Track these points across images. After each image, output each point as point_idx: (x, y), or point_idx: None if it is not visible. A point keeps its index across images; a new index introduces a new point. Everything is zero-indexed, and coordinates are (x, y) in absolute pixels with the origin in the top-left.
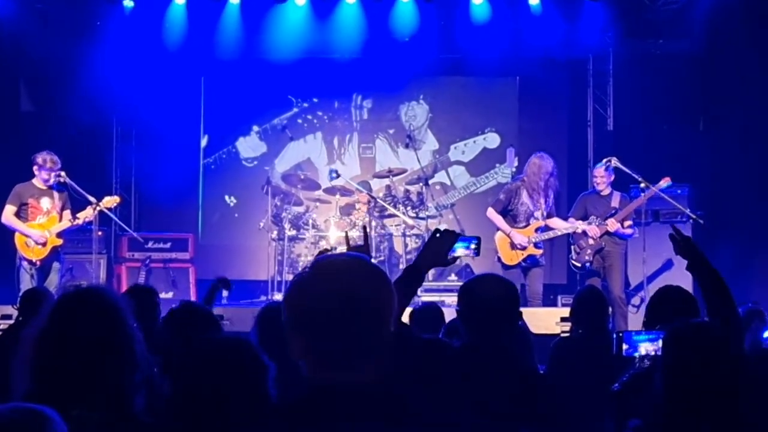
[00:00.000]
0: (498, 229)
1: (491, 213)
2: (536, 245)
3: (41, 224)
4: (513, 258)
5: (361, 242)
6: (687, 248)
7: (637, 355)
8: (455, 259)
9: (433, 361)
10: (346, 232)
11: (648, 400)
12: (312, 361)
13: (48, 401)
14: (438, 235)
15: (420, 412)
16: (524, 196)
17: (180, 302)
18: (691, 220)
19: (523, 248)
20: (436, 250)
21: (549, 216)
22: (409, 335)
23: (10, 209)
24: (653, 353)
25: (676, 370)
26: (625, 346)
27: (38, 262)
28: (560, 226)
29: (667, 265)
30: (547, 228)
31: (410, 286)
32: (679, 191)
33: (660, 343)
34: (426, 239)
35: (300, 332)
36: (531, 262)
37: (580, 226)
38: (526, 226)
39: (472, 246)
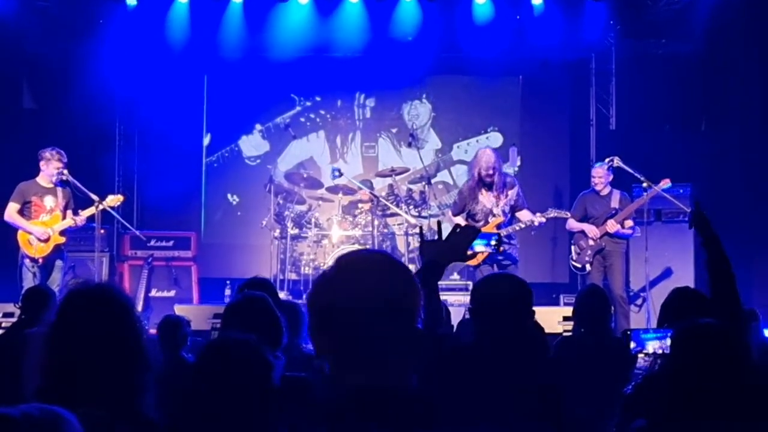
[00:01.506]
0: None
1: (449, 216)
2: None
3: (44, 222)
4: (474, 259)
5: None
6: (702, 225)
7: (644, 352)
8: (474, 254)
9: (443, 357)
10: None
11: (653, 399)
12: (337, 361)
13: (56, 399)
14: (458, 230)
15: (446, 415)
16: (480, 195)
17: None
18: None
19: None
20: (456, 245)
21: (516, 209)
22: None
23: (13, 207)
24: (660, 351)
25: (684, 369)
26: (632, 344)
27: (41, 260)
28: (524, 218)
29: (670, 264)
30: (510, 223)
31: (430, 281)
32: (681, 191)
33: (668, 341)
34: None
35: (324, 333)
36: (491, 261)
37: (537, 218)
38: (485, 225)
39: (492, 242)
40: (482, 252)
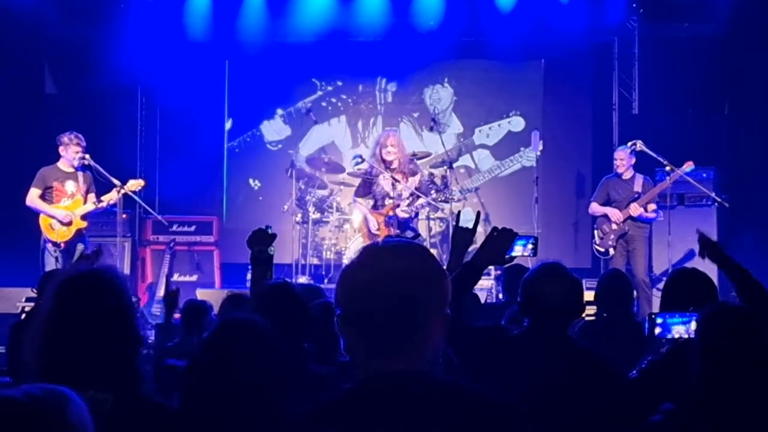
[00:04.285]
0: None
1: (355, 199)
2: (396, 225)
3: (66, 207)
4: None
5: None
6: (714, 253)
7: (669, 337)
8: (512, 258)
9: (490, 348)
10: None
11: (674, 384)
12: (364, 350)
13: (59, 383)
14: (496, 233)
15: (474, 398)
16: (380, 179)
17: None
18: (716, 204)
19: (376, 233)
20: (494, 248)
21: (420, 197)
22: (462, 324)
23: (34, 192)
24: (686, 336)
25: (713, 353)
26: (657, 330)
27: (63, 245)
28: (419, 201)
29: (692, 248)
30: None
31: (467, 283)
32: (704, 175)
33: (692, 326)
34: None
35: (352, 323)
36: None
37: (430, 198)
38: (383, 208)
39: (530, 246)
40: (520, 255)
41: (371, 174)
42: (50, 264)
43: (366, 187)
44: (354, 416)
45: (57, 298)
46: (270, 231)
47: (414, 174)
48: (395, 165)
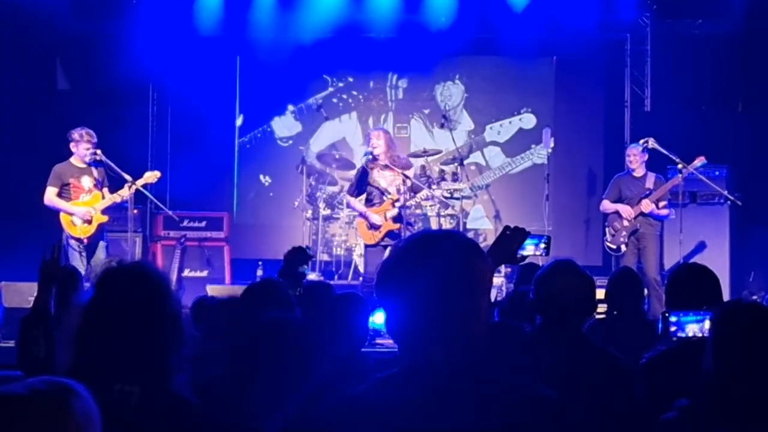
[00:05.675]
0: (359, 213)
1: (347, 198)
2: (395, 219)
3: (85, 202)
4: (372, 238)
5: None
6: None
7: (682, 336)
8: (524, 257)
9: (504, 344)
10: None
11: (686, 379)
12: (407, 338)
13: (90, 375)
14: (508, 232)
15: (514, 389)
16: (375, 174)
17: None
18: (728, 202)
19: (378, 227)
20: (506, 247)
21: (415, 190)
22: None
23: (51, 191)
24: (700, 335)
25: (727, 350)
26: (672, 328)
27: (86, 240)
28: (422, 195)
29: (704, 246)
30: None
31: None
32: (717, 173)
33: (706, 324)
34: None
35: (395, 310)
36: (393, 237)
37: (436, 191)
38: (381, 204)
39: (542, 245)
40: (532, 254)
41: (367, 169)
42: (75, 259)
43: (362, 185)
44: (392, 402)
45: (98, 289)
46: (309, 251)
47: (407, 168)
48: (386, 160)
